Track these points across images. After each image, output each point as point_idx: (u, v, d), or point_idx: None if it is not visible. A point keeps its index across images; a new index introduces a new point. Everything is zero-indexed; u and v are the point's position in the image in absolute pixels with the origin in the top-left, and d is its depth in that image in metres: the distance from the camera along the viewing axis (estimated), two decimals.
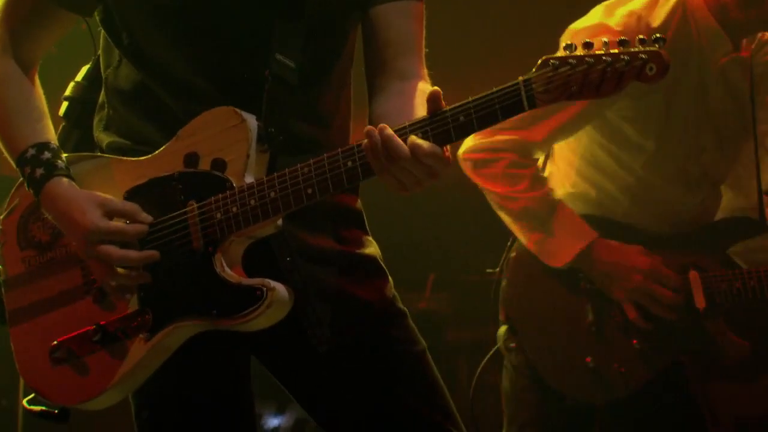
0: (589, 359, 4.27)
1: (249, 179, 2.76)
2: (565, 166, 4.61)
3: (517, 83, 2.58)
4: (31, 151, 2.84)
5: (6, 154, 2.91)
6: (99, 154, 2.92)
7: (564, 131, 4.35)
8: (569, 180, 4.60)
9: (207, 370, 2.91)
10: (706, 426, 5.16)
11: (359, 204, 3.09)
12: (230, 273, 2.78)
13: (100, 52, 3.03)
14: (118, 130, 2.93)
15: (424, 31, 3.03)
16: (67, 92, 3.09)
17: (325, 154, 2.71)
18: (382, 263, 3.07)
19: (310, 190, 2.73)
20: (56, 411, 2.93)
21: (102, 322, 2.83)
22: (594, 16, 4.36)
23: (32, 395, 2.97)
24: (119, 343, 2.82)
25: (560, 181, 4.61)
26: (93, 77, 3.09)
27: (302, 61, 2.84)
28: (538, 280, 4.42)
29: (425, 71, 3.03)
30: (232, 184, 2.76)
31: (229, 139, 2.80)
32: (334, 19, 2.94)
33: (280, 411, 6.49)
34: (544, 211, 4.36)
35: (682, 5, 4.35)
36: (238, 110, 2.78)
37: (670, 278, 4.40)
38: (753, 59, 4.43)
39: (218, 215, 2.76)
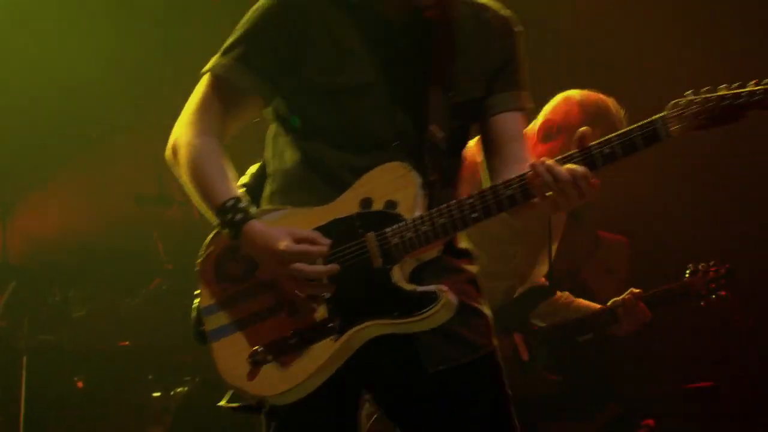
0: None
1: (417, 214, 3.21)
2: None
3: (655, 119, 3.10)
4: (231, 202, 3.23)
5: (203, 206, 3.32)
6: (281, 206, 3.37)
7: None
8: None
9: (326, 400, 3.28)
10: None
11: (474, 268, 3.51)
12: (406, 283, 3.21)
13: (268, 146, 3.52)
14: (283, 203, 3.39)
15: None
16: (243, 180, 3.54)
17: (487, 187, 3.22)
18: (491, 321, 3.44)
19: (475, 215, 3.19)
20: (254, 403, 3.34)
21: (297, 329, 3.22)
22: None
23: (228, 396, 3.38)
24: (312, 344, 3.20)
25: None
26: (260, 173, 3.55)
27: (448, 134, 3.36)
28: None
29: (529, 155, 3.47)
30: (404, 218, 3.20)
31: (398, 185, 3.25)
32: (468, 111, 3.44)
33: None
34: None
35: None
36: (405, 163, 3.25)
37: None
38: None
39: (395, 240, 3.19)
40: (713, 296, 5.47)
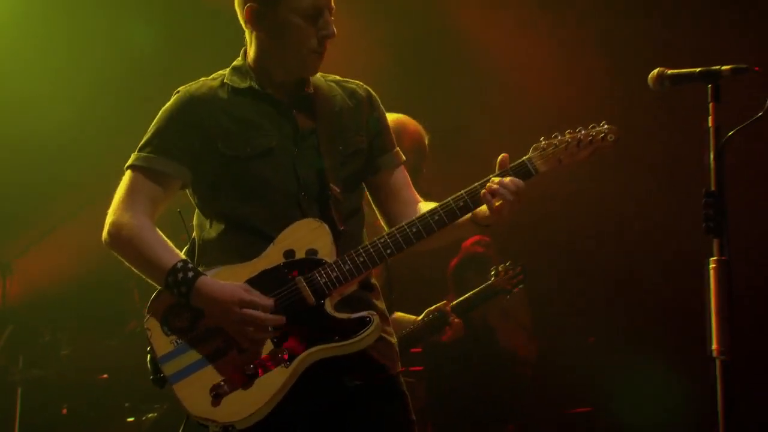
0: None
1: (335, 258, 3.42)
2: None
3: (524, 160, 3.47)
4: (181, 264, 3.38)
5: (149, 273, 3.44)
6: (213, 267, 3.47)
7: None
8: None
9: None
10: None
11: (381, 303, 3.63)
12: (339, 313, 3.41)
13: (195, 228, 3.64)
14: (216, 264, 3.49)
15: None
16: None
17: (393, 228, 3.48)
18: (396, 348, 3.64)
19: (389, 250, 3.44)
20: (220, 430, 3.38)
21: (251, 362, 3.35)
22: None
23: (182, 428, 3.55)
24: (267, 373, 3.34)
25: None
26: (190, 253, 3.62)
27: (342, 185, 3.56)
28: None
29: (418, 196, 3.77)
30: (326, 261, 3.42)
31: (314, 236, 3.44)
32: (356, 160, 3.66)
33: None
34: None
35: None
36: (316, 219, 3.46)
37: None
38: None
39: (322, 279, 3.38)
40: (515, 290, 5.67)
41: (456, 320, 5.45)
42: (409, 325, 5.46)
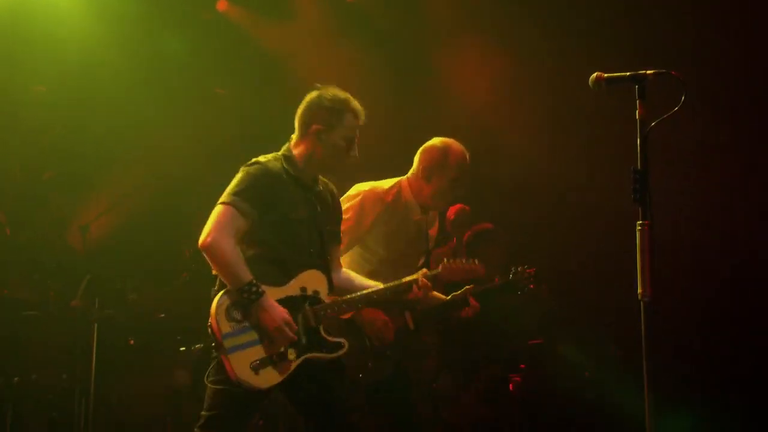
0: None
1: (329, 300, 4.38)
2: (356, 258, 5.25)
3: (436, 273, 4.67)
4: (254, 281, 4.13)
5: (230, 278, 4.08)
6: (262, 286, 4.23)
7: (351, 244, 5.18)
8: (357, 265, 5.24)
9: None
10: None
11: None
12: (327, 335, 4.33)
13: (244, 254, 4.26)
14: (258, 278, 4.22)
15: None
16: None
17: (364, 291, 4.46)
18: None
19: (360, 304, 4.49)
20: (254, 391, 4.10)
21: (274, 353, 4.15)
22: (361, 187, 5.19)
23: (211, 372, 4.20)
24: (283, 362, 4.16)
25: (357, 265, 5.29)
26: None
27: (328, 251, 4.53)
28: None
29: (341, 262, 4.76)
30: (323, 300, 4.34)
31: (319, 282, 4.35)
32: (334, 236, 4.57)
33: None
34: None
35: (399, 186, 5.19)
36: (320, 271, 4.36)
37: (388, 326, 5.11)
38: (428, 219, 5.39)
39: (321, 312, 4.33)
40: (526, 289, 5.52)
41: (474, 303, 5.31)
42: (438, 301, 5.34)
